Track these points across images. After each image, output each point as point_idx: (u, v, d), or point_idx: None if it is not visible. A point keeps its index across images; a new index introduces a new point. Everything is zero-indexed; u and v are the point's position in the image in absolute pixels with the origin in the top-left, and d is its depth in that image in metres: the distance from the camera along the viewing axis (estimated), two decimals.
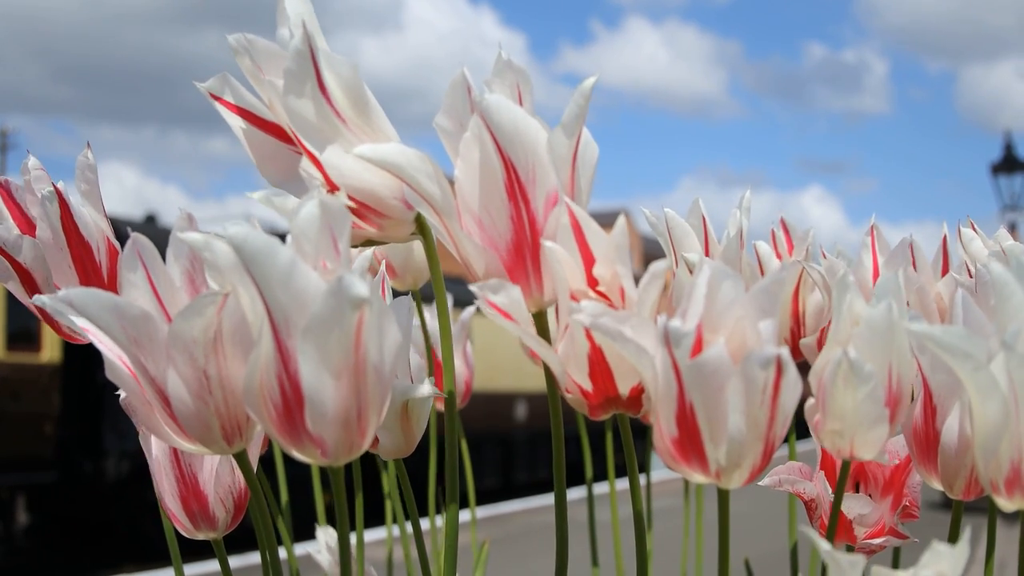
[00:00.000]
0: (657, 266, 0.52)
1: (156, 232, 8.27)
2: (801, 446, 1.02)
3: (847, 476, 0.63)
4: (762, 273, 0.91)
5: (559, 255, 0.54)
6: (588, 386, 0.56)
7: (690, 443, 0.48)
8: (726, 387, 0.46)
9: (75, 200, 0.73)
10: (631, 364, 0.53)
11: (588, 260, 0.55)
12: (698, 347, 0.48)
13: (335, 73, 0.56)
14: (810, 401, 0.59)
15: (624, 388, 0.56)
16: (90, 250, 0.71)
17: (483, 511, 7.71)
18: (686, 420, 0.48)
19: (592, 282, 0.55)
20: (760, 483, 0.75)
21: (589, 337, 0.54)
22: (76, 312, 0.52)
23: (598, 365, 0.55)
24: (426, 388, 0.73)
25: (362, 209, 0.59)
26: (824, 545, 0.47)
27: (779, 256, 0.95)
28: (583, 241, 0.54)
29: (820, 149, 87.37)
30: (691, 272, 0.77)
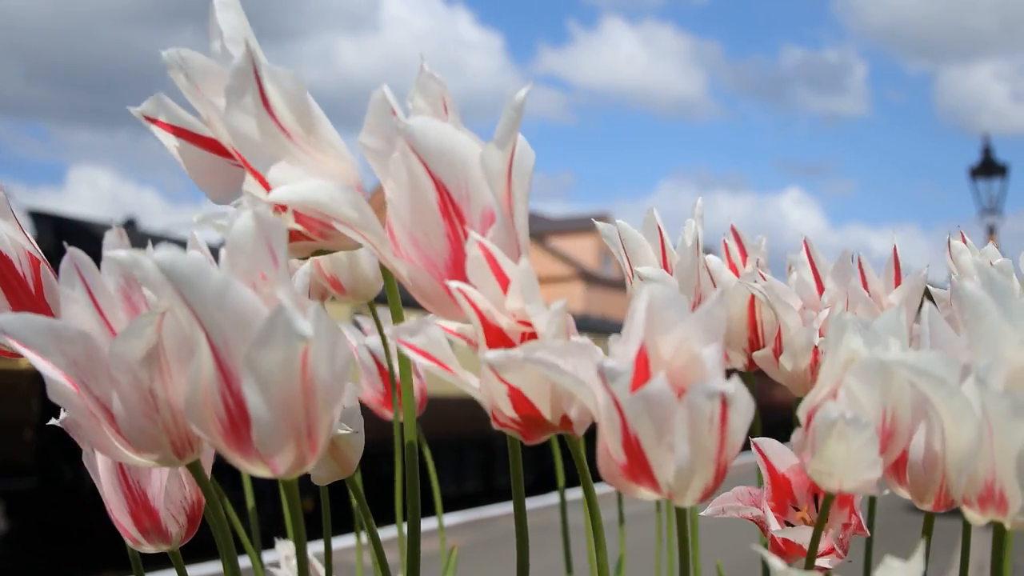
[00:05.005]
0: (556, 304, 0.51)
1: (137, 237, 8.21)
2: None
3: (829, 508, 0.61)
4: (714, 286, 0.90)
5: (470, 294, 0.52)
6: (516, 417, 0.54)
7: (639, 468, 0.47)
8: (671, 418, 0.45)
9: None
10: (553, 395, 0.52)
11: (505, 286, 0.53)
12: (642, 370, 0.47)
13: (279, 87, 0.55)
14: (797, 433, 0.57)
15: (553, 417, 0.54)
16: (11, 263, 0.69)
17: (464, 515, 7.69)
18: (632, 448, 0.47)
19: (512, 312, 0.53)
20: (702, 513, 0.74)
21: (501, 380, 0.52)
22: (10, 337, 0.51)
23: (520, 402, 0.53)
24: (342, 429, 0.74)
25: (310, 222, 0.58)
26: (779, 564, 0.46)
27: (732, 267, 0.94)
28: (498, 270, 0.52)
29: (799, 151, 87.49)
30: None
